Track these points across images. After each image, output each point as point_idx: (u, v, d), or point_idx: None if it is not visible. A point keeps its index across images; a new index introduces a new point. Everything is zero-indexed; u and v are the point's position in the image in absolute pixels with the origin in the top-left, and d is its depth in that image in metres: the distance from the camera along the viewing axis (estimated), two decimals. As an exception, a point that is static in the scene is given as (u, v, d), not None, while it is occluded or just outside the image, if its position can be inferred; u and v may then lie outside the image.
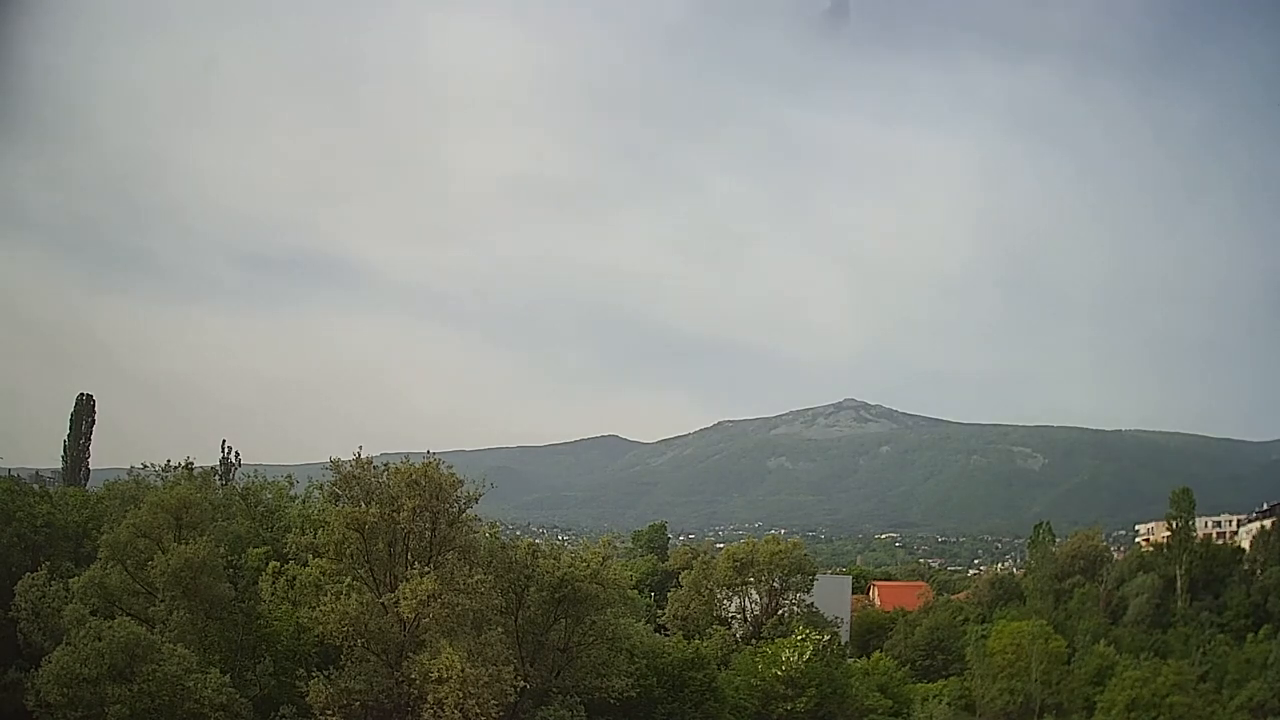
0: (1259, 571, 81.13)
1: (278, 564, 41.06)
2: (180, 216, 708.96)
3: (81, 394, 76.87)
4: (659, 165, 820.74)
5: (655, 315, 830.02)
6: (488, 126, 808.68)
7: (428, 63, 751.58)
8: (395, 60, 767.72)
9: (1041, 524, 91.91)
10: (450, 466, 40.52)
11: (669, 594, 76.43)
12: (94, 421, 75.86)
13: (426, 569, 37.44)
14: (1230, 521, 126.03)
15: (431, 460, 40.06)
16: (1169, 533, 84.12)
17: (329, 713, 37.03)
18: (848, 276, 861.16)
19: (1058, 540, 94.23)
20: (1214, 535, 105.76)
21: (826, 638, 61.95)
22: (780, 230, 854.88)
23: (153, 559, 39.33)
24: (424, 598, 36.58)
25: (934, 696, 63.18)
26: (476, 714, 35.51)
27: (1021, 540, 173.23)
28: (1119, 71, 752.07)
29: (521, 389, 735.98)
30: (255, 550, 43.41)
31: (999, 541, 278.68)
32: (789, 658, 55.75)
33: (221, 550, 40.75)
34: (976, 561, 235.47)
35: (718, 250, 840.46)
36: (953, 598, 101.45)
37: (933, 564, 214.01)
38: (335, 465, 40.64)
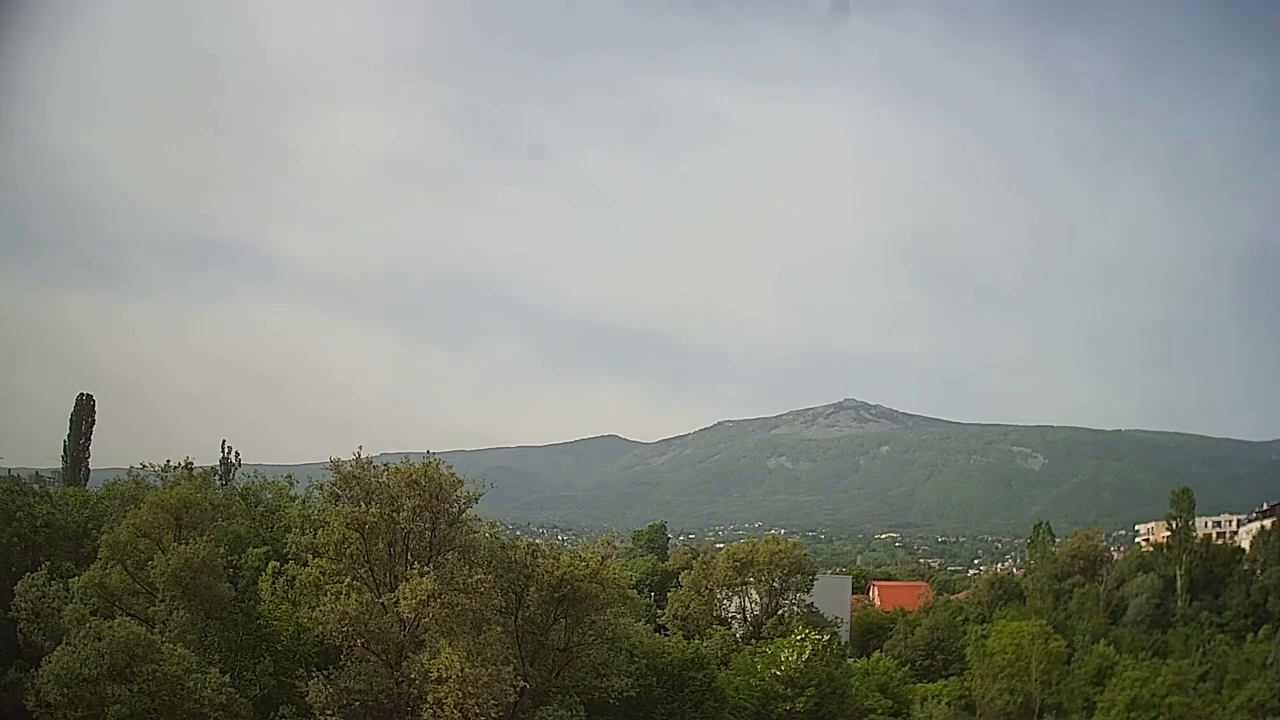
0: (1259, 571, 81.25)
1: (278, 564, 41.04)
2: (89, 210, 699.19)
3: (81, 394, 76.54)
4: (519, 140, 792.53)
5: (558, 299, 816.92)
6: (349, 111, 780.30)
7: (273, 45, 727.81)
8: (243, 43, 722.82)
9: (1041, 524, 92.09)
10: (450, 466, 40.56)
11: (669, 594, 76.43)
12: (94, 421, 75.54)
13: (426, 569, 37.45)
14: (1230, 521, 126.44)
15: (431, 460, 40.10)
16: (1169, 533, 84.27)
17: (329, 713, 37.03)
18: (750, 257, 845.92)
19: (1058, 540, 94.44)
20: (1214, 535, 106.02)
21: (826, 638, 61.92)
22: (662, 205, 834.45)
23: (153, 559, 39.42)
24: (424, 598, 36.60)
25: (934, 696, 63.25)
26: (476, 714, 35.51)
27: (1021, 540, 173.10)
28: (997, 28, 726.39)
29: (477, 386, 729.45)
30: (255, 550, 43.31)
31: (999, 541, 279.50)
32: (789, 658, 55.79)
33: (221, 550, 40.74)
34: (976, 561, 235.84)
35: (605, 229, 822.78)
36: (953, 598, 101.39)
37: (933, 564, 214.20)
38: (335, 465, 40.70)
